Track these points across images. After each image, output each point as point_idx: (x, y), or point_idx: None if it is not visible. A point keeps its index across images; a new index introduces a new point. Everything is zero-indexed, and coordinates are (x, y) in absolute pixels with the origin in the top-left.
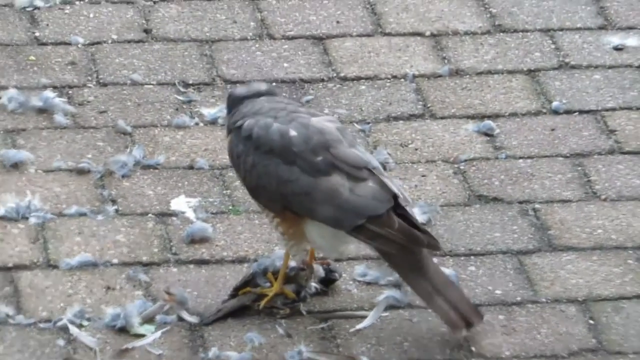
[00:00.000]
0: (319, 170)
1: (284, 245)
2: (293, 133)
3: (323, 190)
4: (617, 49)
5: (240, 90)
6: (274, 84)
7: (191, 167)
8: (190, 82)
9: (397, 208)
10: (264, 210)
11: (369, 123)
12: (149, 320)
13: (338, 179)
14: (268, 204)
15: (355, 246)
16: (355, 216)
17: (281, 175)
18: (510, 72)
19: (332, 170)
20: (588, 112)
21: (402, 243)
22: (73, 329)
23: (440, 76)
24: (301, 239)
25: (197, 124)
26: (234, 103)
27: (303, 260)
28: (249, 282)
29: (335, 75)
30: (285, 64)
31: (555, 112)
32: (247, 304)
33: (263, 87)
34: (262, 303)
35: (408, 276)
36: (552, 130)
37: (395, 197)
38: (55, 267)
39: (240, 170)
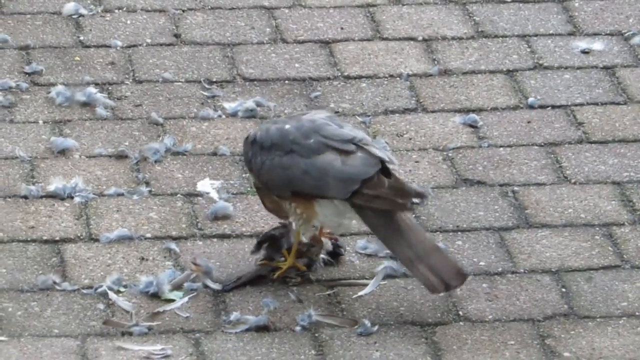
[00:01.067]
0: (313, 151)
1: (296, 225)
2: (287, 126)
3: (319, 167)
4: (585, 52)
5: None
6: (286, 82)
7: (215, 154)
8: (214, 79)
9: (385, 172)
10: (280, 200)
11: (369, 116)
12: (177, 287)
13: (330, 155)
14: (280, 194)
15: (357, 222)
16: (350, 183)
17: (284, 163)
18: (491, 72)
19: (324, 149)
20: (559, 107)
21: (394, 199)
22: (112, 295)
23: (431, 75)
24: (312, 218)
25: (220, 116)
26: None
27: (314, 236)
28: (269, 237)
29: (339, 74)
30: (297, 65)
31: (531, 107)
32: (263, 274)
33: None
34: (277, 274)
35: (392, 246)
36: (528, 122)
37: (382, 161)
38: (96, 240)
39: (254, 171)
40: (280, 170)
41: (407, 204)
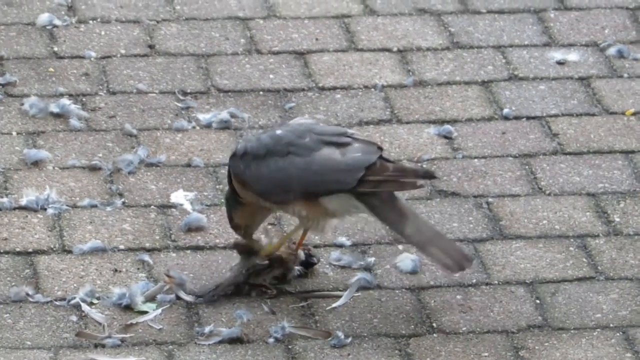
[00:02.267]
0: (310, 149)
1: (304, 225)
2: (279, 131)
3: (320, 162)
4: (560, 63)
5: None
6: (260, 93)
7: (188, 165)
8: (188, 90)
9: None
10: (280, 207)
11: (343, 127)
12: (151, 299)
13: (328, 150)
14: (281, 200)
15: (332, 235)
16: (355, 171)
17: (282, 166)
18: (466, 83)
19: (321, 145)
20: (534, 118)
21: (402, 179)
22: (85, 307)
23: (405, 86)
24: (321, 215)
25: (194, 127)
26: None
27: (291, 247)
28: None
29: (314, 85)
30: (271, 76)
31: (506, 118)
32: (240, 281)
33: None
34: (263, 252)
35: (403, 230)
36: (503, 133)
37: (380, 148)
38: (69, 252)
39: (249, 182)
40: (280, 175)
41: (415, 182)
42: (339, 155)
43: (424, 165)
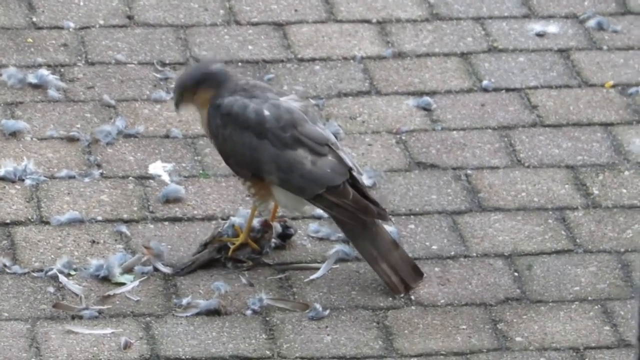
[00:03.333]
0: (286, 144)
1: (253, 203)
2: (266, 113)
3: (288, 160)
4: (539, 35)
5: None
6: (239, 64)
7: (167, 136)
8: (167, 62)
9: (352, 181)
10: (236, 175)
11: (322, 99)
12: (128, 270)
13: (302, 152)
14: (239, 171)
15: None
16: (315, 186)
17: (253, 146)
18: (445, 54)
19: (297, 145)
20: (513, 90)
21: (355, 213)
22: (62, 278)
23: (384, 58)
24: (269, 199)
25: (172, 98)
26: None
27: (265, 221)
28: (215, 237)
29: (293, 56)
30: (250, 47)
31: (485, 90)
32: (216, 257)
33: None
34: (230, 252)
35: (356, 241)
36: (482, 105)
37: (350, 170)
38: (47, 223)
39: (218, 139)
40: (248, 151)
41: (366, 221)
42: (310, 163)
43: (403, 137)
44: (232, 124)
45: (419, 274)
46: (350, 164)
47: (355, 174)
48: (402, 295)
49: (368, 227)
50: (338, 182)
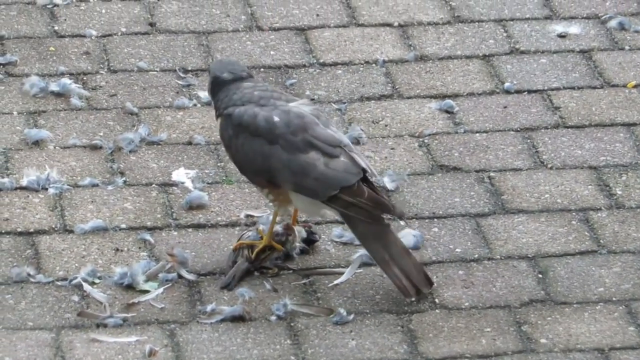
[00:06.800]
0: (298, 148)
1: (274, 208)
2: (276, 119)
3: (301, 164)
4: (561, 36)
5: (225, 75)
6: (262, 69)
7: (190, 143)
8: (189, 68)
9: (366, 181)
10: (252, 183)
11: (344, 103)
12: (152, 277)
13: (314, 155)
14: (254, 178)
15: (332, 211)
16: (329, 187)
17: (265, 153)
18: (467, 57)
19: (309, 149)
20: (536, 91)
21: (372, 210)
22: (86, 286)
23: (406, 61)
24: (287, 204)
25: (195, 105)
26: (219, 86)
27: (287, 224)
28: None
29: (315, 61)
30: (272, 52)
31: (507, 92)
32: (251, 268)
33: (238, 69)
34: (253, 254)
35: (368, 244)
36: (505, 107)
37: (364, 170)
38: (70, 231)
39: (232, 149)
40: (261, 159)
41: (383, 217)
42: (322, 165)
43: (426, 141)
44: (244, 133)
45: (429, 282)
46: (364, 165)
47: (369, 175)
48: (412, 299)
49: (381, 232)
50: (352, 182)
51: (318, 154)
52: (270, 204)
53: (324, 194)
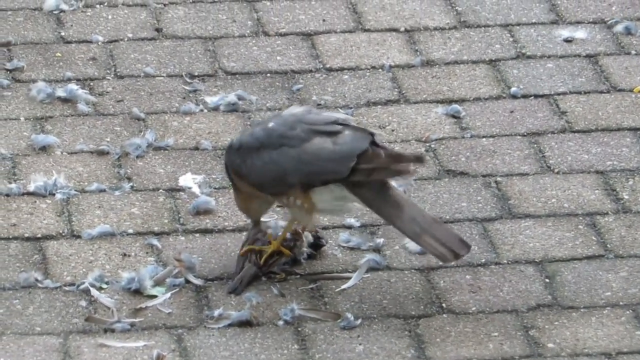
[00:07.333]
0: (302, 139)
1: (297, 216)
2: (271, 124)
3: (312, 152)
4: (567, 41)
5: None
6: (268, 75)
7: (196, 148)
8: (196, 73)
9: (377, 146)
10: (275, 198)
11: (351, 108)
12: (160, 283)
13: (319, 139)
14: (276, 190)
15: (339, 218)
16: (346, 160)
17: (274, 158)
18: (474, 62)
19: (312, 135)
20: (542, 96)
21: (394, 167)
22: (94, 292)
23: (413, 66)
24: (313, 209)
25: (201, 110)
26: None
27: (295, 230)
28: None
29: (321, 66)
30: (279, 57)
31: (514, 97)
32: (259, 275)
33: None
34: (262, 259)
35: (396, 222)
36: (511, 112)
37: (371, 134)
38: (78, 237)
39: (245, 174)
40: (274, 167)
41: (408, 169)
42: (330, 144)
43: (432, 145)
44: (249, 153)
45: (466, 246)
46: (370, 129)
47: (377, 137)
48: (452, 263)
49: (406, 208)
50: (364, 147)
51: (322, 137)
52: (291, 213)
53: (344, 168)
